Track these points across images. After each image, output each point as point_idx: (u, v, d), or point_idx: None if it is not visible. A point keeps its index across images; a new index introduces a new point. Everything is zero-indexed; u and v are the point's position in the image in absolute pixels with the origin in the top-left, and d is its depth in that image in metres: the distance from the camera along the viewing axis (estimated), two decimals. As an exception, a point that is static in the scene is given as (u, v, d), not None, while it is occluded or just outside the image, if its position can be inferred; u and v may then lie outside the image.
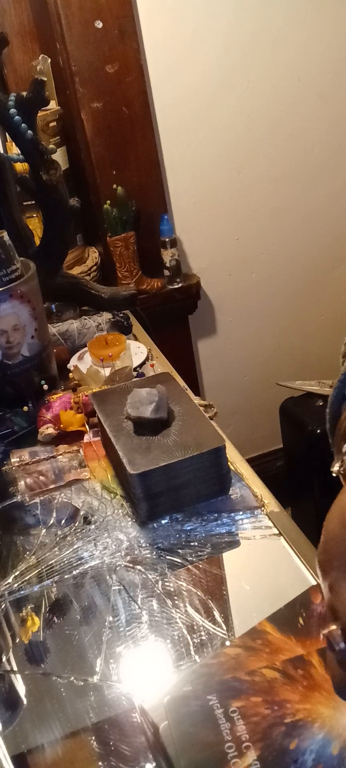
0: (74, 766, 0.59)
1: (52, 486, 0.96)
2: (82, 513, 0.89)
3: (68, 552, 0.82)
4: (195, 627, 0.69)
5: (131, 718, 0.61)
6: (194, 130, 1.97)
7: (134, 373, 1.19)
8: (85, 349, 1.32)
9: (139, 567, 0.78)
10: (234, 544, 0.80)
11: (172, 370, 1.24)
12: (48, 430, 1.05)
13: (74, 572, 0.79)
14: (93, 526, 0.86)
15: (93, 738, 0.61)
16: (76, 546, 0.83)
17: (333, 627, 0.40)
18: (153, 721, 0.55)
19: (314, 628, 0.60)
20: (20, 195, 1.39)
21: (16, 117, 1.19)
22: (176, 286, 2.00)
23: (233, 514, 0.83)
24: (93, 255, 1.96)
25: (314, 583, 0.71)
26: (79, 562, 0.81)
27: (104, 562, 0.80)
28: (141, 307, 1.57)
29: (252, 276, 2.18)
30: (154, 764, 0.56)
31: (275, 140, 2.04)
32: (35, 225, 1.64)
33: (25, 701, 0.67)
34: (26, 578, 0.79)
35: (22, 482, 0.97)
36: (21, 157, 1.26)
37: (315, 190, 2.12)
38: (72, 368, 1.24)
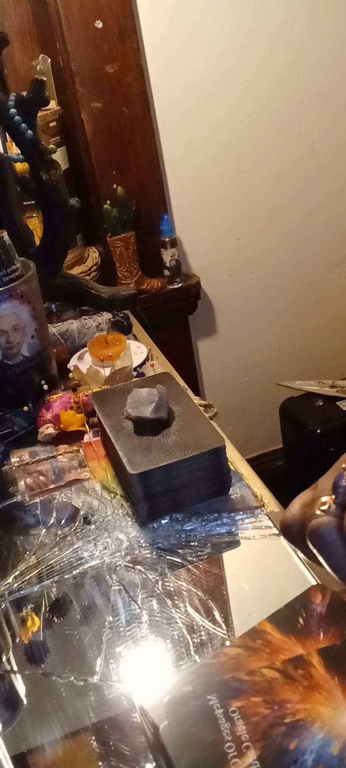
0: (74, 766, 0.59)
1: (52, 486, 0.96)
2: (82, 513, 0.89)
3: (68, 552, 0.82)
4: (195, 627, 0.69)
5: (131, 718, 0.61)
6: (194, 130, 1.97)
7: (134, 373, 1.19)
8: (85, 349, 1.32)
9: (139, 567, 0.78)
10: (234, 544, 0.80)
11: (172, 370, 1.24)
12: (48, 430, 1.05)
13: (74, 572, 0.79)
14: (93, 526, 0.86)
15: (93, 738, 0.61)
16: (76, 546, 0.83)
17: None
18: (153, 721, 0.55)
19: (314, 628, 0.60)
20: (20, 195, 1.39)
21: (16, 117, 1.19)
22: (176, 286, 2.00)
23: (233, 514, 0.83)
24: (93, 255, 1.96)
25: (314, 583, 0.71)
26: (79, 562, 0.81)
27: (104, 562, 0.80)
28: (141, 307, 1.57)
29: (252, 276, 2.18)
30: (154, 764, 0.55)
31: (275, 140, 2.04)
32: (35, 225, 1.64)
33: (25, 701, 0.67)
34: (26, 578, 0.79)
35: (22, 482, 0.97)
36: (21, 157, 1.26)
37: (315, 190, 2.12)
38: (72, 368, 1.24)
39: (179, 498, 0.84)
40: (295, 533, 0.43)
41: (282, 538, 0.78)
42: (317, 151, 2.09)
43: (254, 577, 0.77)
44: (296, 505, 0.45)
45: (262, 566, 0.79)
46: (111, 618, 0.72)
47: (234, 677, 0.56)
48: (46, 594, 0.78)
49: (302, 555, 0.76)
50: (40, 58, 1.76)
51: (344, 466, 0.42)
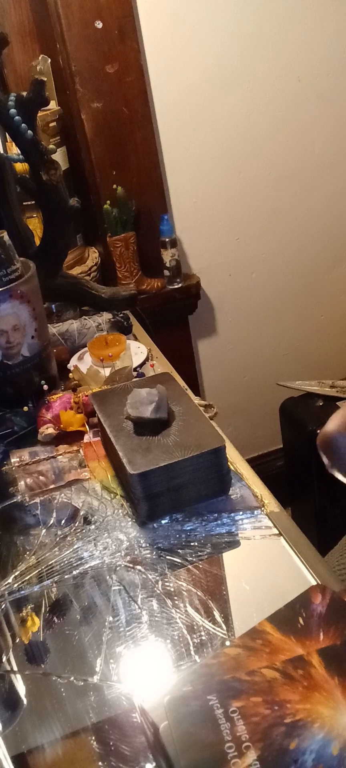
0: (74, 766, 0.59)
1: (52, 486, 0.96)
2: (82, 513, 0.89)
3: (68, 552, 0.82)
4: (195, 627, 0.69)
5: (131, 718, 0.61)
6: (194, 130, 1.97)
7: (134, 373, 1.19)
8: (85, 349, 1.32)
9: (139, 567, 0.78)
10: (234, 544, 0.80)
11: (172, 370, 1.24)
12: (48, 430, 1.05)
13: (74, 572, 0.79)
14: (93, 526, 0.86)
15: (93, 738, 0.61)
16: (76, 546, 0.83)
17: None
18: (153, 721, 0.55)
19: (314, 628, 0.60)
20: (20, 195, 1.39)
21: (16, 117, 1.19)
22: (176, 286, 2.00)
23: (233, 514, 0.83)
24: (93, 255, 1.96)
25: (314, 583, 0.71)
26: (79, 562, 0.81)
27: (104, 562, 0.80)
28: (141, 307, 1.57)
29: (252, 276, 2.18)
30: (154, 764, 0.56)
31: (275, 140, 2.04)
32: (35, 225, 1.64)
33: (25, 701, 0.67)
34: (26, 578, 0.79)
35: (22, 482, 0.97)
36: (21, 157, 1.26)
37: (315, 190, 2.12)
38: (72, 368, 1.24)
39: (179, 498, 0.84)
40: (340, 444, 0.43)
41: (282, 538, 0.79)
42: (317, 152, 2.09)
43: (254, 577, 0.77)
44: (336, 419, 0.45)
45: (262, 566, 0.79)
46: (111, 618, 0.72)
47: (234, 677, 0.56)
48: (46, 594, 0.78)
49: (301, 555, 0.76)
50: (40, 58, 1.77)
51: None
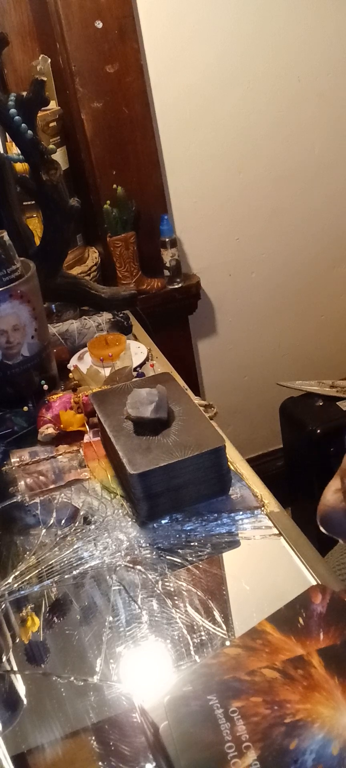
0: (74, 766, 0.59)
1: (52, 486, 0.96)
2: (82, 513, 0.89)
3: (68, 552, 0.82)
4: (195, 627, 0.69)
5: (131, 718, 0.61)
6: (194, 130, 1.97)
7: (134, 373, 1.19)
8: (85, 349, 1.32)
9: (139, 567, 0.78)
10: (234, 544, 0.80)
11: (172, 370, 1.24)
12: (48, 430, 1.05)
13: (74, 572, 0.79)
14: (93, 526, 0.86)
15: (93, 738, 0.61)
16: (76, 546, 0.83)
17: None
18: (153, 721, 0.55)
19: (314, 628, 0.60)
20: (20, 195, 1.39)
21: (16, 117, 1.19)
22: (176, 286, 2.00)
23: (233, 514, 0.83)
24: (93, 255, 1.96)
25: (314, 583, 0.71)
26: (79, 562, 0.81)
27: (104, 562, 0.80)
28: (141, 307, 1.57)
29: (252, 276, 2.18)
30: (154, 764, 0.56)
31: (275, 140, 2.04)
32: (35, 225, 1.64)
33: (25, 701, 0.67)
34: (26, 578, 0.79)
35: (22, 482, 0.97)
36: (21, 157, 1.26)
37: (315, 190, 2.12)
38: (72, 368, 1.24)
39: (179, 498, 0.84)
40: (336, 520, 0.45)
41: (282, 538, 0.79)
42: (317, 152, 2.09)
43: (254, 577, 0.77)
44: (328, 495, 0.47)
45: (262, 566, 0.79)
46: (111, 618, 0.72)
47: (234, 677, 0.56)
48: (46, 594, 0.78)
49: (301, 555, 0.76)
50: (40, 58, 1.77)
51: None
